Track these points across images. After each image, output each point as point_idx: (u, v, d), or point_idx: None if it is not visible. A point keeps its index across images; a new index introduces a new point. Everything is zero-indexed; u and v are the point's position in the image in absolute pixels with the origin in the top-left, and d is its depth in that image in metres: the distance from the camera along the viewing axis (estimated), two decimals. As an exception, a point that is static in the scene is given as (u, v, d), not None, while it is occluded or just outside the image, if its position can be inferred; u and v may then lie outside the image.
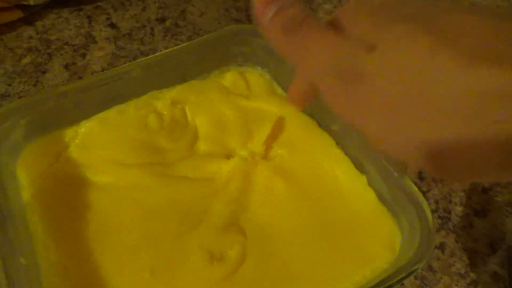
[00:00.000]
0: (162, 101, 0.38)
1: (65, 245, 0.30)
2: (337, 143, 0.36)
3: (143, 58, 0.38)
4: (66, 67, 0.47)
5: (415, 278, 0.35)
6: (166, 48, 0.48)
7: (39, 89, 0.44)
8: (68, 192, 0.33)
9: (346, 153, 0.35)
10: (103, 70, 0.46)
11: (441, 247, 0.37)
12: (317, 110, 0.37)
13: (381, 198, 0.33)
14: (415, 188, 0.31)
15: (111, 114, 0.37)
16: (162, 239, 0.31)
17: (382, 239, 0.31)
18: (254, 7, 0.20)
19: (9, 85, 0.45)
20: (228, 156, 0.36)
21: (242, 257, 0.31)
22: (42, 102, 0.35)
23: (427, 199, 0.39)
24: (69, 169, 0.35)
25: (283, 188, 0.34)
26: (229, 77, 0.41)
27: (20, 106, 0.34)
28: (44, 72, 0.46)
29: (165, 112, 0.38)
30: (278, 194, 0.34)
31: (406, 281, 0.35)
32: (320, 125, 0.37)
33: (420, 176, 0.40)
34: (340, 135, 0.35)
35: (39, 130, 0.35)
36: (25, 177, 0.33)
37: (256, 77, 0.41)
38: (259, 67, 0.41)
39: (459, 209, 0.39)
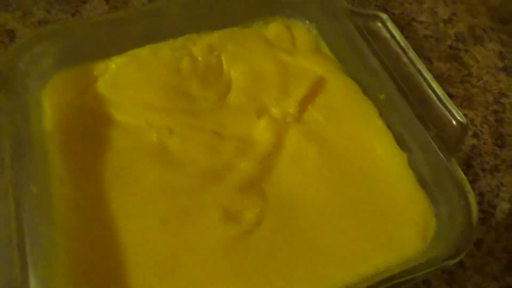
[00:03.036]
0: (199, 45, 0.36)
1: (80, 179, 0.30)
2: (381, 114, 0.32)
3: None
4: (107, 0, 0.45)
5: (442, 272, 0.32)
6: (211, -10, 0.45)
7: (77, 19, 0.42)
8: (90, 127, 0.32)
9: (389, 127, 0.32)
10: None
11: (478, 243, 0.33)
12: (364, 75, 0.33)
13: (421, 180, 0.30)
14: (462, 175, 0.27)
15: (144, 52, 0.35)
16: (179, 190, 0.30)
17: (415, 225, 0.28)
18: None
19: (48, 11, 0.43)
20: (259, 112, 0.33)
21: (258, 220, 0.29)
22: (75, 31, 0.33)
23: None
24: (94, 104, 0.33)
25: (314, 156, 0.31)
26: (273, 29, 0.37)
27: (52, 32, 0.33)
28: (84, 3, 0.44)
29: (200, 58, 0.36)
30: (308, 162, 0.31)
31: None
32: (365, 91, 0.34)
33: (468, 164, 0.36)
34: (386, 106, 0.32)
35: (69, 60, 0.34)
36: (50, 105, 0.32)
37: (303, 32, 0.37)
38: (307, 21, 0.38)
39: (506, 206, 0.35)
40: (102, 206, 0.29)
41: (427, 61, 0.41)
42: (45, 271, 0.24)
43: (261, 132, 0.32)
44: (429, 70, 0.33)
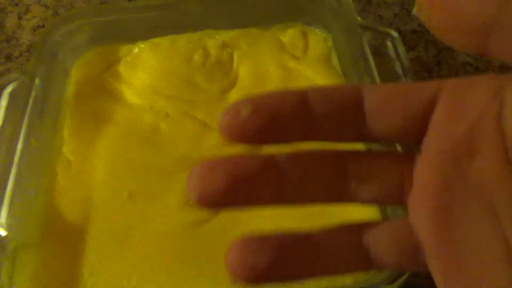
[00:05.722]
0: (214, 40, 0.38)
1: (78, 143, 0.34)
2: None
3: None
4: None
5: None
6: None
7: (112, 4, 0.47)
8: (102, 101, 0.36)
9: (369, 148, 0.30)
10: None
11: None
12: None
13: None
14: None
15: (164, 41, 0.38)
16: (154, 169, 0.32)
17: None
18: None
19: None
20: (251, 113, 0.34)
21: (215, 213, 0.30)
22: (107, 14, 0.38)
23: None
24: (113, 81, 0.37)
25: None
26: (290, 34, 0.38)
27: (88, 12, 0.38)
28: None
29: (212, 52, 0.38)
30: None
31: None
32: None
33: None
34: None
35: (101, 39, 0.39)
36: (75, 77, 0.37)
37: (318, 41, 0.37)
38: (325, 30, 0.37)
39: None
40: (88, 170, 0.33)
41: (457, 90, 0.38)
42: (19, 210, 0.28)
43: (246, 131, 0.33)
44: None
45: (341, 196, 0.14)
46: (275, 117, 0.14)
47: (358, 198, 0.14)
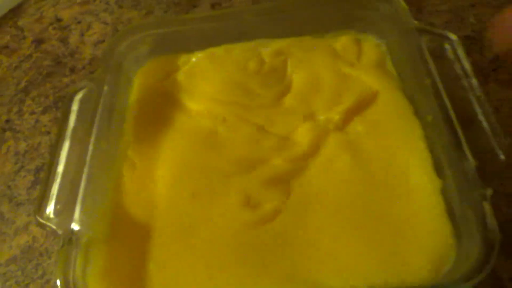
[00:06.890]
0: (269, 49, 0.39)
1: (142, 146, 0.35)
2: (426, 136, 0.31)
3: (262, 5, 0.39)
4: (213, 6, 0.51)
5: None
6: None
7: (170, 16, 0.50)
8: (163, 107, 0.38)
9: (431, 150, 0.30)
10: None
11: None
12: (418, 95, 0.32)
13: (449, 211, 0.27)
14: (493, 219, 0.25)
15: (219, 51, 0.40)
16: (214, 171, 0.33)
17: (429, 254, 0.26)
18: None
19: (166, 11, 0.52)
20: (307, 116, 0.35)
21: (274, 214, 0.30)
22: (166, 26, 0.40)
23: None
24: (172, 88, 0.39)
25: (346, 166, 0.32)
26: (343, 41, 0.38)
27: (150, 24, 0.40)
28: (194, 6, 0.52)
29: (267, 60, 0.39)
30: (339, 170, 0.32)
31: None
32: (416, 111, 0.32)
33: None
34: (432, 128, 0.30)
35: (161, 49, 0.41)
36: (138, 85, 0.39)
37: (371, 47, 0.38)
38: (378, 37, 0.38)
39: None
40: (152, 171, 0.34)
41: (517, 94, 0.37)
42: (90, 208, 0.30)
43: (302, 134, 0.34)
44: None
45: None
46: None
47: None
